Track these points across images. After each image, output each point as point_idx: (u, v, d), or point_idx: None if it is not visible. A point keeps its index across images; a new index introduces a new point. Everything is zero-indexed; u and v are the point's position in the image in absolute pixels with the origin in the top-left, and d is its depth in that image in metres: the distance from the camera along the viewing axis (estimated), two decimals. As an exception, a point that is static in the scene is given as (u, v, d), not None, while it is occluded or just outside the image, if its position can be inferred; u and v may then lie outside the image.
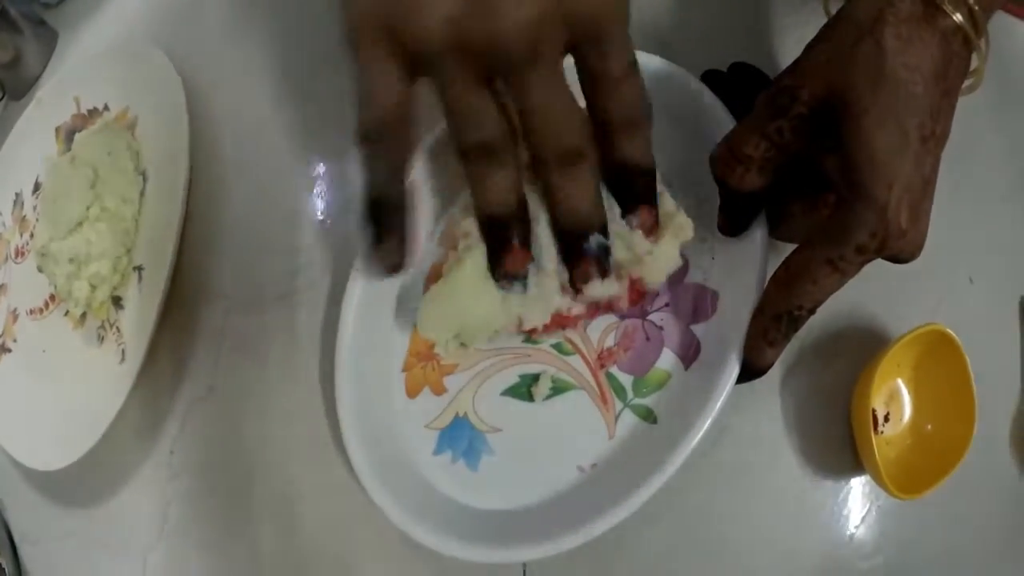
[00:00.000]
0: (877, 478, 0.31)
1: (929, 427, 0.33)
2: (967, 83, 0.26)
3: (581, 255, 0.27)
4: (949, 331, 0.31)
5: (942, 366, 0.32)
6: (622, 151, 0.27)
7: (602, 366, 0.33)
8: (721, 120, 0.31)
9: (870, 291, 0.33)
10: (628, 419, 0.32)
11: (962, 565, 0.33)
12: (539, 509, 0.32)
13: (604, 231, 0.27)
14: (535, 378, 0.34)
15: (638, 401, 0.32)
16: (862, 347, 0.33)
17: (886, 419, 0.33)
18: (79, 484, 0.45)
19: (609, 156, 0.27)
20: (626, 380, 0.33)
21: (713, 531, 0.32)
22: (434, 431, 0.35)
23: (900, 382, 0.33)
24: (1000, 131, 0.37)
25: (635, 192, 0.28)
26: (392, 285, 0.36)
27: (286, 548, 0.38)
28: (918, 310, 0.33)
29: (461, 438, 0.34)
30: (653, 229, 0.28)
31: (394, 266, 0.28)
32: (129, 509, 0.43)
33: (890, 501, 0.32)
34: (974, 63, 0.26)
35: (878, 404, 0.32)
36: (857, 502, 0.33)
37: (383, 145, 0.27)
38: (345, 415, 0.34)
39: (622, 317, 0.33)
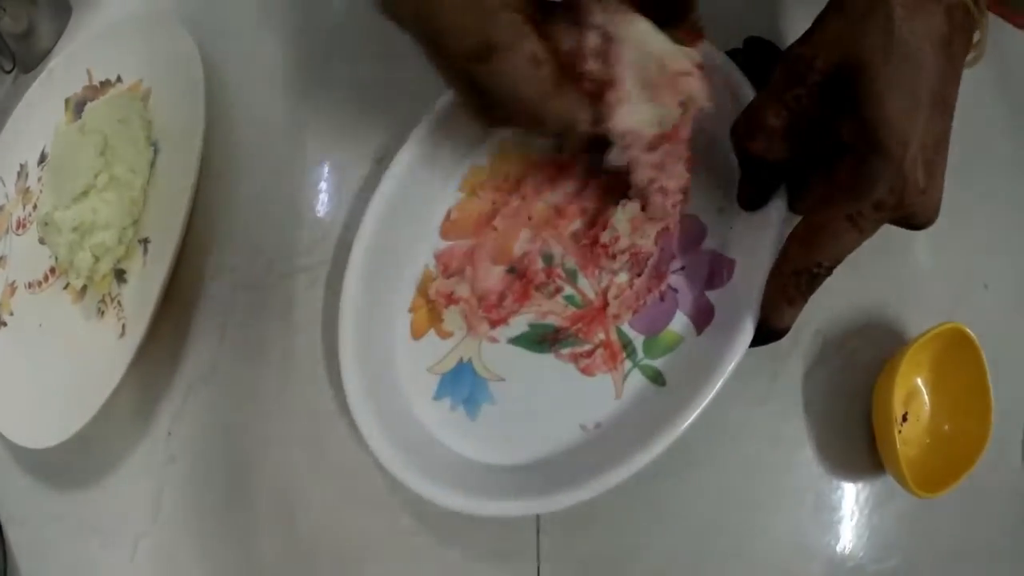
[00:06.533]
0: (899, 477, 0.30)
1: (946, 427, 0.32)
2: (970, 56, 0.27)
3: None
4: (967, 330, 0.31)
5: (959, 365, 0.32)
6: None
7: (614, 321, 0.32)
8: (746, 95, 0.31)
9: (889, 292, 0.33)
10: (636, 380, 0.31)
11: (976, 566, 0.33)
12: (535, 466, 0.31)
13: None
14: (545, 328, 0.33)
15: (647, 362, 0.31)
16: (881, 347, 0.33)
17: (904, 418, 0.32)
18: (70, 465, 0.43)
19: None
20: (637, 339, 0.32)
21: (730, 527, 0.32)
22: (436, 375, 0.34)
23: (919, 381, 0.33)
24: (1014, 138, 0.38)
25: None
26: (405, 223, 0.36)
27: (285, 539, 0.37)
28: (933, 312, 0.33)
29: (463, 384, 0.33)
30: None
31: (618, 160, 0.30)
32: (121, 493, 0.41)
33: (904, 502, 0.32)
34: (976, 38, 0.27)
35: (898, 403, 0.31)
36: (873, 502, 0.32)
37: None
38: (346, 351, 0.33)
39: (639, 274, 0.33)
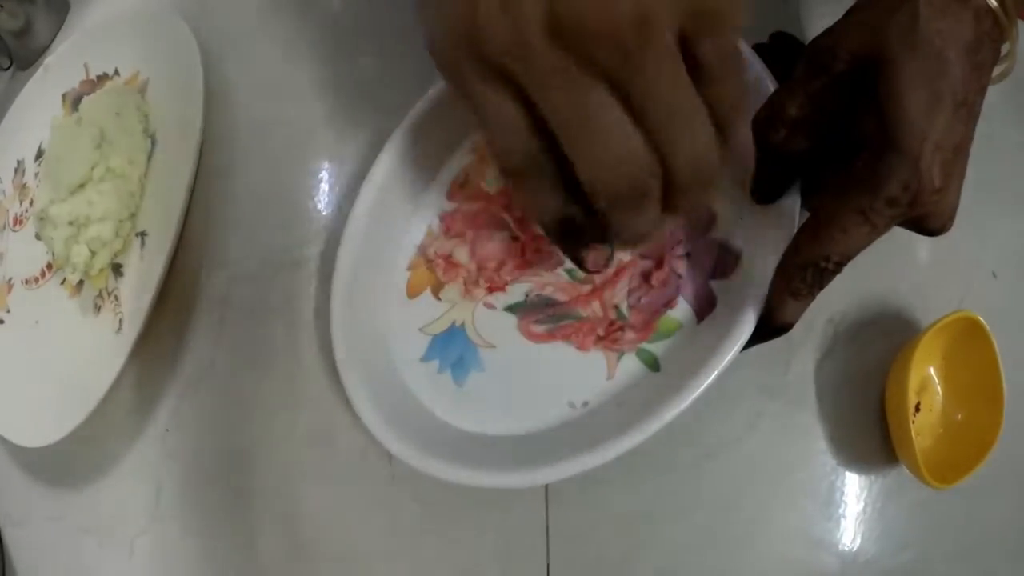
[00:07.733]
0: (913, 468, 0.30)
1: (959, 416, 0.32)
2: (999, 69, 0.27)
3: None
4: (979, 318, 0.31)
5: (971, 354, 0.31)
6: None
7: (614, 300, 0.32)
8: (767, 87, 0.30)
9: (898, 281, 0.33)
10: (630, 362, 0.30)
11: (991, 558, 0.32)
12: (517, 440, 0.30)
13: None
14: (543, 300, 0.32)
15: (644, 345, 0.31)
16: (892, 337, 0.33)
17: (917, 408, 0.32)
18: (67, 463, 0.42)
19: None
20: None
21: (742, 519, 0.31)
22: (427, 336, 0.33)
23: (931, 371, 0.33)
24: (1022, 125, 0.37)
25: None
26: (410, 185, 0.35)
27: (285, 535, 0.36)
28: (943, 301, 0.33)
29: (453, 348, 0.33)
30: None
31: (597, 266, 0.28)
32: (119, 491, 0.40)
33: (918, 494, 0.31)
34: (1005, 51, 0.27)
35: (911, 393, 0.31)
36: (886, 494, 0.32)
37: (530, 178, 0.24)
38: (337, 302, 0.33)
39: (642, 257, 0.32)
